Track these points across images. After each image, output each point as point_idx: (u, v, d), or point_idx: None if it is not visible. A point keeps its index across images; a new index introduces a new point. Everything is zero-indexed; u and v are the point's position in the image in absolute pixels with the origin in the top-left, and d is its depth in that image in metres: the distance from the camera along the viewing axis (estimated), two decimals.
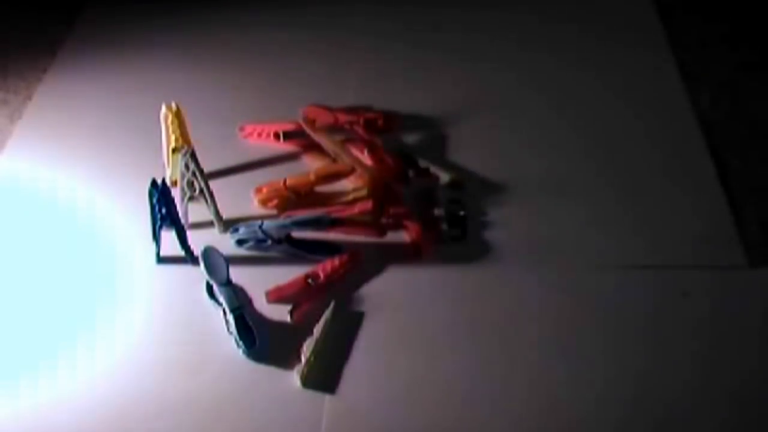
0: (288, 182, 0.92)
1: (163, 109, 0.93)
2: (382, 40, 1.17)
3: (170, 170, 0.93)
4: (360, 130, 0.99)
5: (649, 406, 0.74)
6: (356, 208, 0.89)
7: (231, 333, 0.79)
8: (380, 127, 1.01)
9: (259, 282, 0.83)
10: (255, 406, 0.74)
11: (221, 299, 0.80)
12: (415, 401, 0.75)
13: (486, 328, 0.81)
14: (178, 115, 0.93)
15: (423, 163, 0.98)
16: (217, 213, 0.89)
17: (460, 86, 1.09)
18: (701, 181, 0.95)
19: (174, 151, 0.92)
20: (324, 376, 0.76)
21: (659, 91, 1.08)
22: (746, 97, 1.07)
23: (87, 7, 1.25)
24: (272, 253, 0.87)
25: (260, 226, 0.86)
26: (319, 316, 0.80)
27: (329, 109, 1.03)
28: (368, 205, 0.88)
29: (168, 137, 0.93)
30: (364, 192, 0.92)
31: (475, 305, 0.83)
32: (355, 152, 0.97)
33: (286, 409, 0.74)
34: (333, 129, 1.01)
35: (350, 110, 1.03)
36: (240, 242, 0.88)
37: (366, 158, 0.97)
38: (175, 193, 0.87)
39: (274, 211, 0.91)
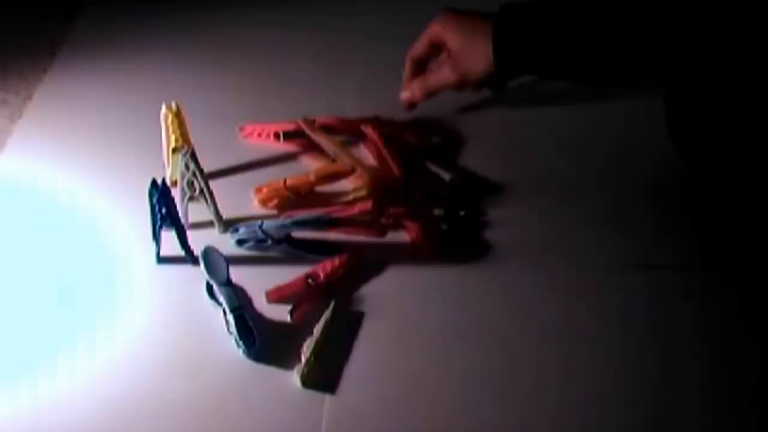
0: (288, 182, 0.92)
1: (163, 109, 0.93)
2: (383, 40, 1.17)
3: (170, 170, 0.93)
4: (372, 133, 0.99)
5: (649, 406, 0.74)
6: (356, 208, 0.89)
7: (231, 333, 0.79)
8: (410, 142, 1.01)
9: (259, 282, 0.83)
10: (255, 406, 0.74)
11: (221, 299, 0.80)
12: (415, 401, 0.75)
13: (486, 327, 0.81)
14: (178, 115, 0.93)
15: (423, 163, 0.98)
16: (217, 213, 0.89)
17: None
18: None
19: (174, 151, 0.92)
20: (324, 376, 0.76)
21: (658, 91, 1.07)
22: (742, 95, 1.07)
23: (87, 7, 1.26)
24: (272, 253, 0.87)
25: (260, 226, 0.86)
26: (319, 316, 0.80)
27: (346, 119, 1.02)
28: (368, 205, 0.88)
29: (168, 137, 0.93)
30: (364, 192, 0.92)
31: (475, 305, 0.83)
32: (365, 152, 0.98)
33: (286, 409, 0.74)
34: (337, 129, 1.02)
35: (365, 121, 1.02)
36: (240, 242, 0.88)
37: (371, 159, 0.97)
38: (175, 193, 0.87)
39: (274, 211, 0.91)
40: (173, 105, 0.94)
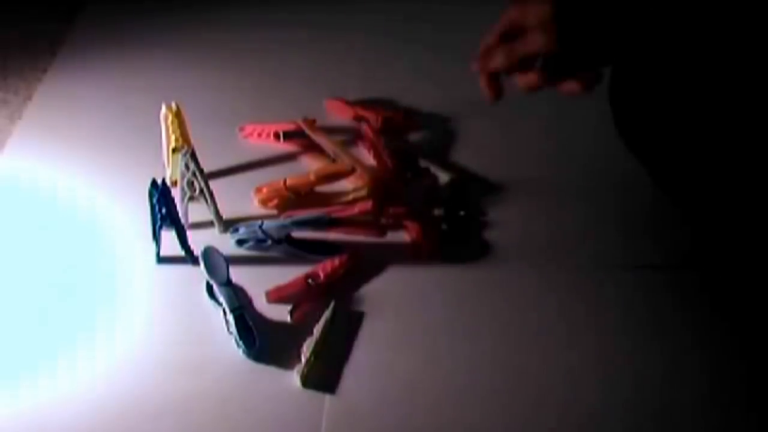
0: (288, 182, 0.92)
1: (163, 109, 0.93)
2: (383, 39, 1.17)
3: (170, 170, 0.93)
4: (368, 130, 0.99)
5: (649, 405, 0.74)
6: (356, 208, 0.89)
7: (231, 333, 0.79)
8: (399, 126, 1.01)
9: (259, 282, 0.83)
10: (255, 406, 0.74)
11: (221, 299, 0.80)
12: (415, 401, 0.75)
13: (486, 327, 0.81)
14: (178, 115, 0.93)
15: (423, 163, 0.98)
16: (217, 213, 0.89)
17: (461, 85, 1.09)
18: None
19: (174, 151, 0.91)
20: (324, 376, 0.76)
21: None
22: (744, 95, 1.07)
23: (87, 7, 1.26)
24: (272, 253, 0.87)
25: (260, 226, 0.86)
26: (319, 316, 0.80)
27: (348, 103, 1.03)
28: (368, 205, 0.88)
29: (168, 137, 0.93)
30: (364, 192, 0.92)
31: (475, 305, 0.83)
32: (361, 149, 0.98)
33: (286, 409, 0.74)
34: (337, 129, 1.01)
35: (370, 105, 1.02)
36: (240, 242, 0.88)
37: (369, 158, 0.97)
38: (175, 193, 0.87)
39: (274, 211, 0.92)
40: (173, 105, 0.94)
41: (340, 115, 1.03)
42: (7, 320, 0.82)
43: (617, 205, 0.93)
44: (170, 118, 0.93)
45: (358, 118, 1.02)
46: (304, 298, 0.82)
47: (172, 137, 0.93)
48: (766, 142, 0.75)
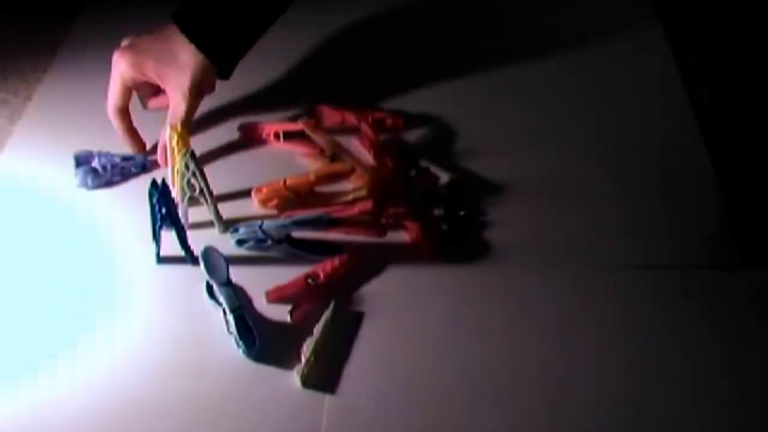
0: (288, 182, 0.92)
1: (168, 130, 0.92)
2: (384, 39, 1.17)
3: (174, 191, 0.91)
4: (367, 129, 0.99)
5: (649, 405, 0.74)
6: (356, 208, 0.89)
7: (231, 333, 0.79)
8: (388, 127, 1.01)
9: (259, 282, 0.83)
10: (255, 406, 0.74)
11: (221, 299, 0.80)
12: (415, 401, 0.75)
13: (486, 328, 0.81)
14: (182, 136, 0.92)
15: (423, 163, 0.98)
16: (217, 213, 0.89)
17: (461, 85, 1.09)
18: (701, 181, 0.95)
19: (179, 172, 0.90)
20: (324, 376, 0.76)
21: (659, 90, 1.07)
22: (747, 96, 1.07)
23: (87, 7, 1.26)
24: (272, 253, 0.87)
25: (260, 226, 0.86)
26: (319, 316, 0.80)
27: (337, 107, 1.03)
28: (368, 205, 0.88)
29: (173, 158, 0.92)
30: (364, 192, 0.92)
31: (475, 305, 0.83)
32: (360, 148, 0.98)
33: (286, 409, 0.74)
34: (337, 129, 1.01)
35: (358, 109, 1.02)
36: (240, 242, 0.88)
37: (369, 158, 0.97)
38: (175, 193, 0.87)
39: (274, 211, 0.92)
40: (178, 126, 0.92)
41: (327, 121, 1.02)
42: (7, 320, 0.82)
43: (618, 206, 0.93)
44: (175, 139, 0.91)
45: (348, 123, 1.01)
46: (304, 298, 0.82)
47: (177, 157, 0.91)
48: None
